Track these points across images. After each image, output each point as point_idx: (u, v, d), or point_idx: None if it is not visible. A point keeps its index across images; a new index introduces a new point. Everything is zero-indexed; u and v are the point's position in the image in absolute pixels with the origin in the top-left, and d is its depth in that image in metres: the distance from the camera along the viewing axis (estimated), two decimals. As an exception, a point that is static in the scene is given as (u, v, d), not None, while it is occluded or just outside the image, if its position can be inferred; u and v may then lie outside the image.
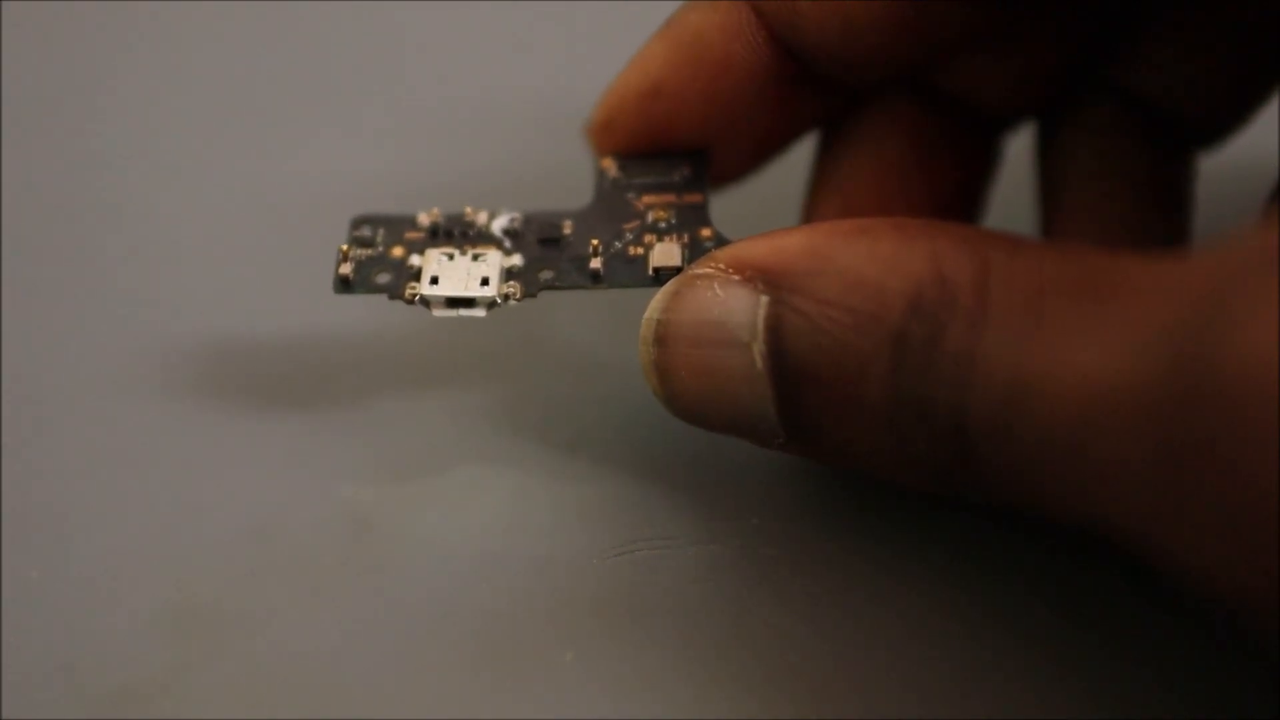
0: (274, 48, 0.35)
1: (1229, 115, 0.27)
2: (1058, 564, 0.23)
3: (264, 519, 0.25)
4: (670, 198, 0.25)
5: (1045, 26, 0.26)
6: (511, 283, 0.24)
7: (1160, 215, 0.26)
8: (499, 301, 0.24)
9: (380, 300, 0.25)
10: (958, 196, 0.27)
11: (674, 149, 0.26)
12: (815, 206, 0.27)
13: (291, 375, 0.27)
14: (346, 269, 0.25)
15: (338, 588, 0.23)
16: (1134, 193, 0.26)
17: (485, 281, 0.24)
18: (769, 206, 0.27)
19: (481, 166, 0.31)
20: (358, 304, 0.28)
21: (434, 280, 0.24)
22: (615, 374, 0.27)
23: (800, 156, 0.28)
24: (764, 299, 0.21)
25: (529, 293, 0.24)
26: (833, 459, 0.23)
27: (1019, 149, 0.28)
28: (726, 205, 0.26)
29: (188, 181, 0.32)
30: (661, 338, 0.23)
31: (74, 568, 0.24)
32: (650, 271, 0.24)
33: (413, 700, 0.22)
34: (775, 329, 0.21)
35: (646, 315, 0.23)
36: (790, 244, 0.22)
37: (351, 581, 0.24)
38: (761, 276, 0.21)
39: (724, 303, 0.22)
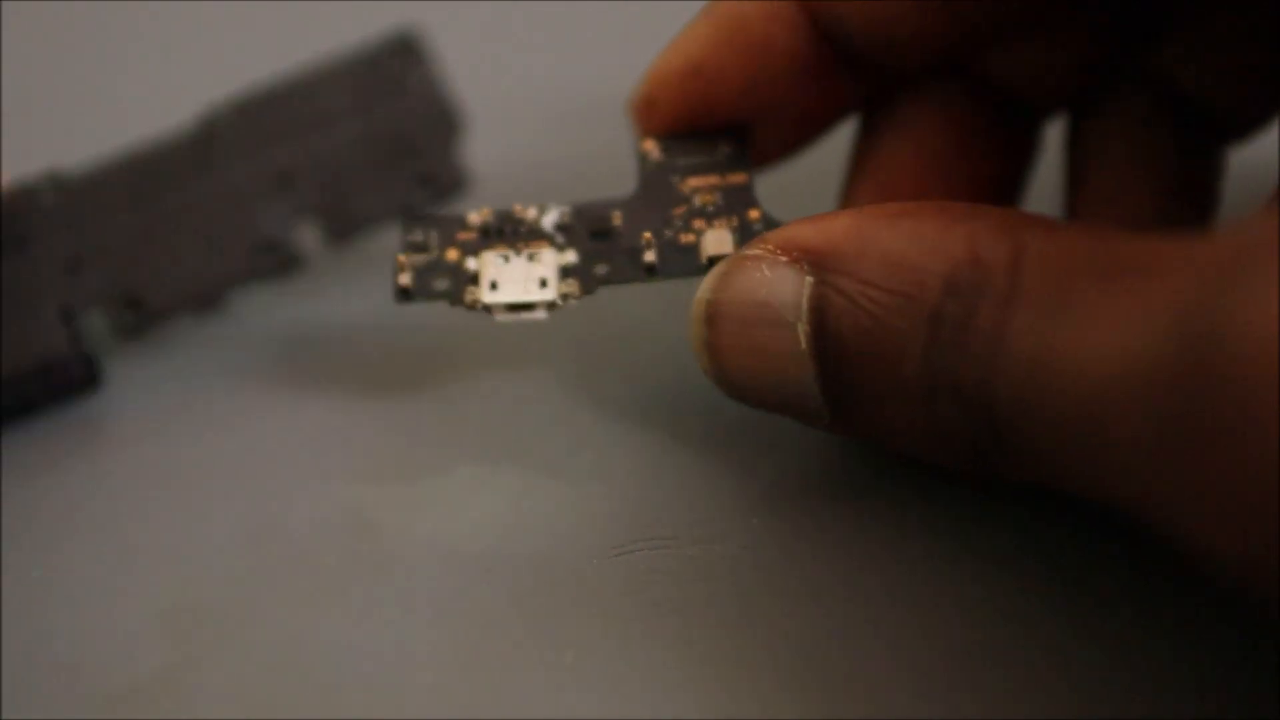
0: (293, 41, 0.35)
1: (1260, 108, 0.27)
2: (1064, 563, 0.23)
3: (264, 519, 0.25)
4: (714, 178, 0.25)
5: (1084, 14, 0.26)
6: (569, 280, 0.25)
7: (1186, 206, 0.27)
8: (559, 303, 0.24)
9: (382, 297, 0.25)
10: (995, 184, 0.27)
11: (714, 128, 0.26)
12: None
13: (292, 374, 0.27)
14: (406, 279, 0.25)
15: (338, 587, 0.23)
16: (1161, 182, 0.27)
17: (544, 283, 0.24)
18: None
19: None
20: (363, 302, 0.28)
21: (493, 285, 0.25)
22: (616, 373, 0.27)
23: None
24: (809, 280, 0.22)
25: (587, 290, 0.25)
26: (874, 437, 0.23)
27: (1050, 135, 0.28)
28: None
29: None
30: (711, 317, 0.23)
31: (75, 567, 0.24)
32: (704, 260, 0.24)
33: (412, 700, 0.22)
34: (819, 309, 0.22)
35: (697, 296, 0.23)
36: (835, 226, 0.22)
37: (352, 581, 0.24)
38: (807, 258, 0.22)
39: (771, 283, 0.22)
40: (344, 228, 0.27)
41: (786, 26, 0.25)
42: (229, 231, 0.27)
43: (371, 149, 0.28)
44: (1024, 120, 0.27)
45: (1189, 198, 0.27)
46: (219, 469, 0.26)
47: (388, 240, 0.27)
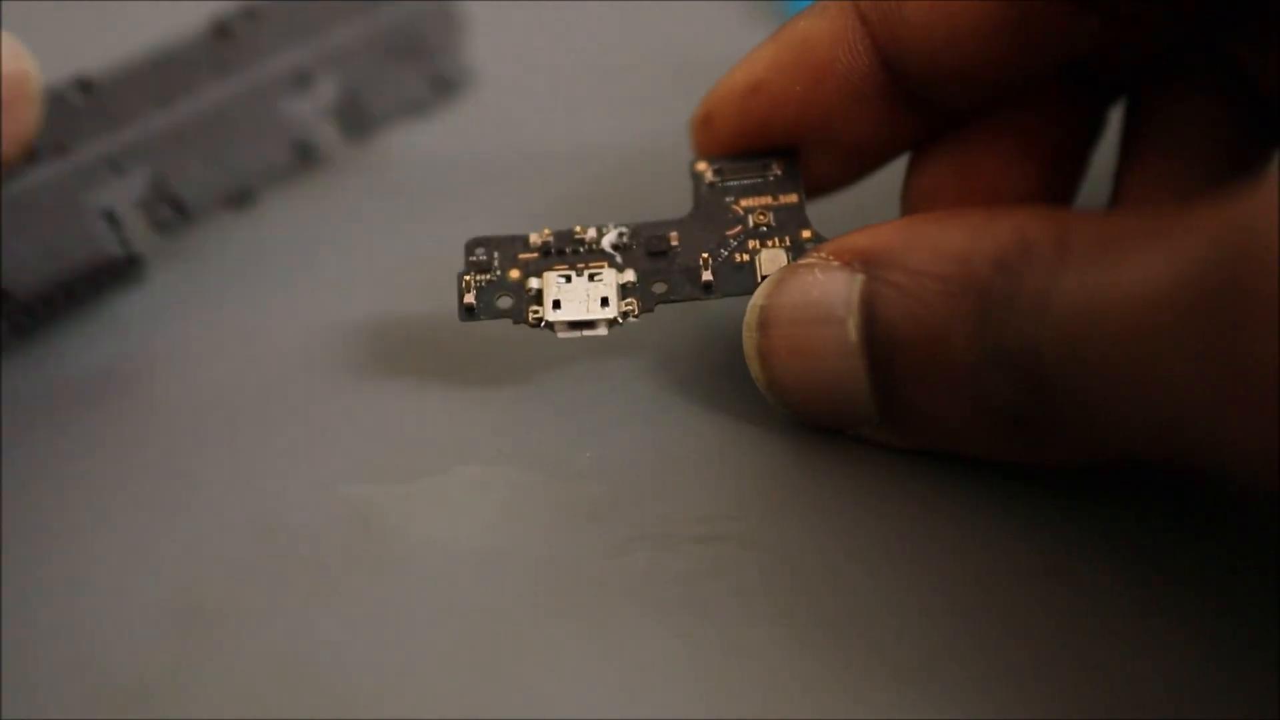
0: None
1: None
2: (1067, 564, 0.23)
3: (265, 518, 0.25)
4: (767, 199, 0.26)
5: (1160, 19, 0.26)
6: (629, 299, 0.25)
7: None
8: (619, 321, 0.25)
9: (376, 299, 0.25)
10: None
11: (765, 150, 0.27)
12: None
13: (292, 374, 0.27)
14: (470, 298, 0.26)
15: (338, 587, 0.23)
16: (1215, 169, 0.27)
17: (605, 302, 0.25)
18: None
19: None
20: (362, 302, 0.28)
21: (556, 304, 0.25)
22: (615, 372, 0.27)
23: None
24: (859, 277, 0.23)
25: (646, 308, 0.25)
26: (922, 434, 0.24)
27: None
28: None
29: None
30: (764, 322, 0.24)
31: (77, 566, 0.24)
32: (759, 279, 0.25)
33: (413, 700, 0.22)
34: (869, 302, 0.23)
35: (751, 302, 0.24)
36: (886, 229, 0.23)
37: (352, 581, 0.24)
38: (859, 258, 0.23)
39: (823, 284, 0.23)
40: (361, 125, 0.29)
41: (850, 51, 0.26)
42: (254, 130, 0.28)
43: (380, 48, 0.29)
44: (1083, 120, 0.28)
45: (1236, 173, 0.27)
46: (220, 469, 0.26)
47: (403, 138, 0.29)
